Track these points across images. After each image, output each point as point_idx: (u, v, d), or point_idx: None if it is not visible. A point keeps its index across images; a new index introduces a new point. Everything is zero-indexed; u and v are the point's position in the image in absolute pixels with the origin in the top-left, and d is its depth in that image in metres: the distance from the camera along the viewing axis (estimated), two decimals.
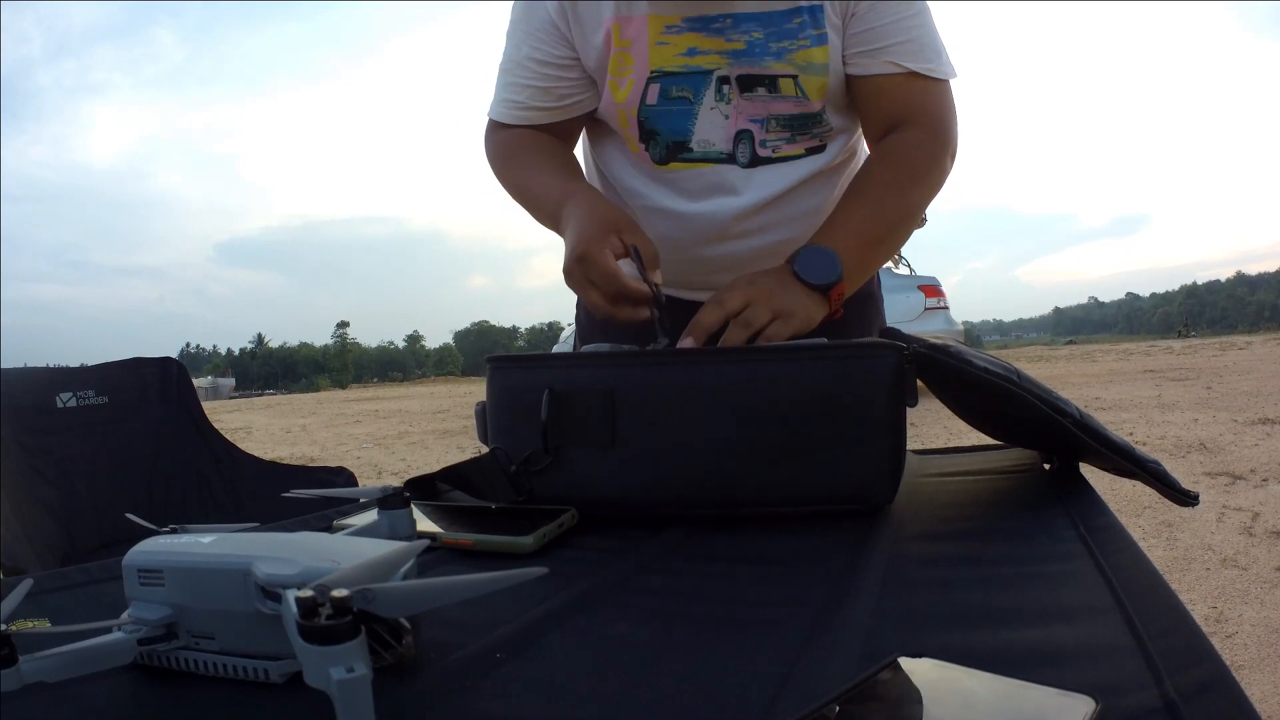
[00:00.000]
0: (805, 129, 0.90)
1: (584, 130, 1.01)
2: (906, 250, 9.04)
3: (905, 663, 0.33)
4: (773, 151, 0.90)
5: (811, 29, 0.84)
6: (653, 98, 0.89)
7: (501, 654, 0.39)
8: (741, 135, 0.89)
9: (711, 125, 0.89)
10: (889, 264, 8.40)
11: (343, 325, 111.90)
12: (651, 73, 0.87)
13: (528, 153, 0.93)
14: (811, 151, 0.91)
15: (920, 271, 8.14)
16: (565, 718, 0.33)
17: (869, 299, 1.07)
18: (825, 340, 0.66)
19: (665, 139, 0.90)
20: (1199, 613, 2.12)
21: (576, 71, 0.90)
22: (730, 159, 0.90)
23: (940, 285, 7.62)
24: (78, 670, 0.34)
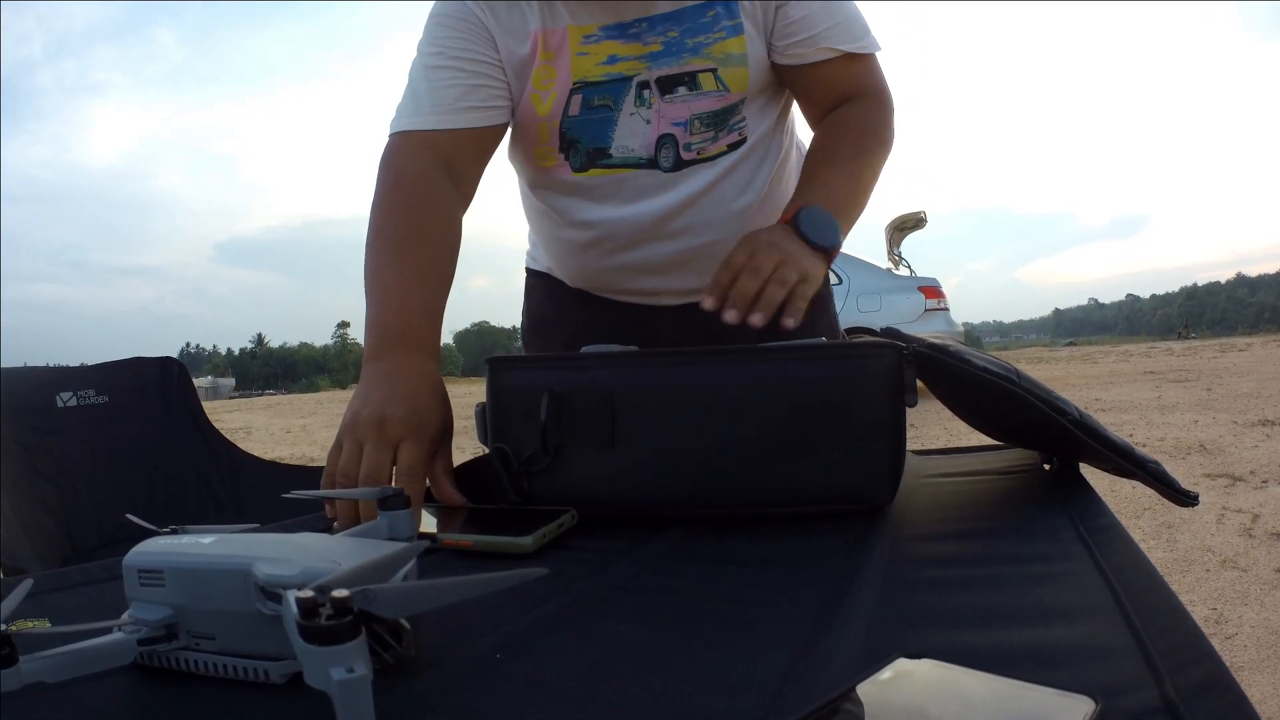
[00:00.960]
0: (725, 123, 0.90)
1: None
2: (906, 251, 9.05)
3: (905, 663, 0.33)
4: (698, 154, 0.90)
5: (726, 20, 0.85)
6: (575, 109, 0.88)
7: (501, 655, 0.39)
8: (664, 140, 0.89)
9: (632, 131, 0.88)
10: (889, 264, 8.41)
11: (343, 325, 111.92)
12: (574, 84, 0.87)
13: (418, 214, 0.81)
14: (733, 147, 0.91)
15: (920, 272, 8.14)
16: (565, 718, 0.33)
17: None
18: (824, 340, 0.66)
19: (585, 146, 0.90)
20: (1199, 614, 2.12)
21: (503, 75, 0.89)
22: (652, 164, 0.90)
23: (940, 286, 7.63)
24: (78, 670, 0.34)
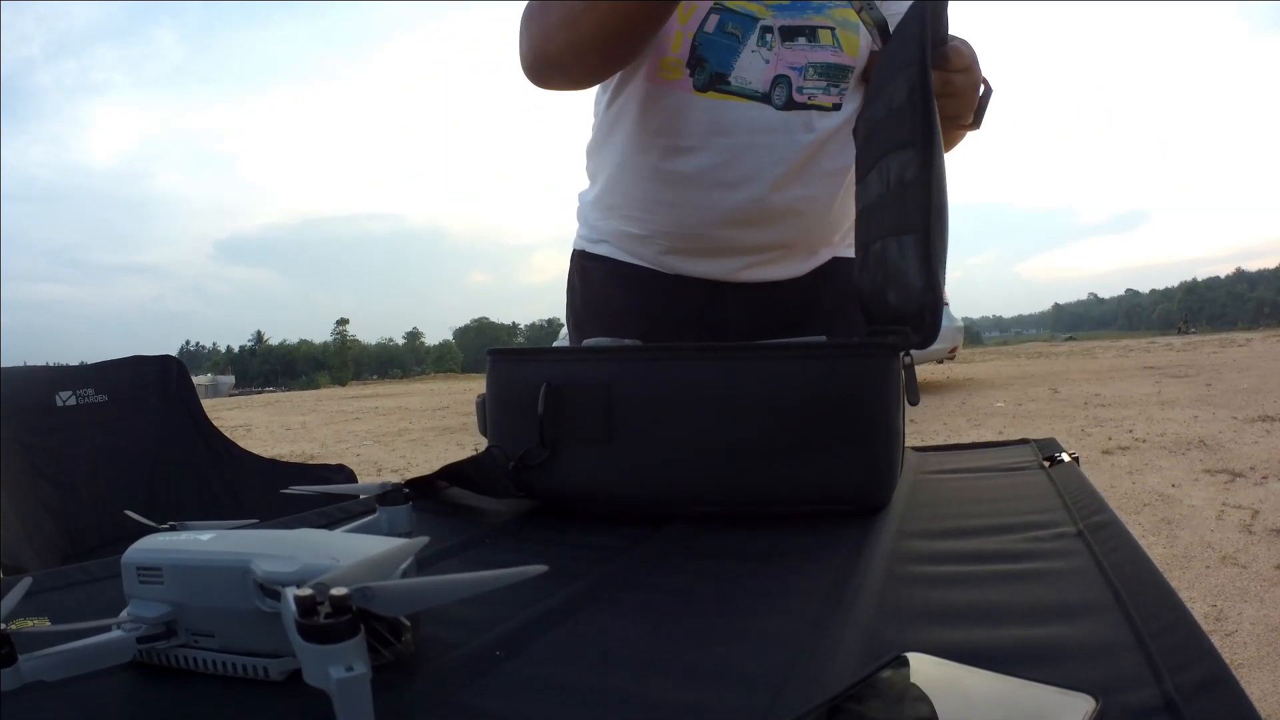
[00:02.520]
0: (838, 80, 0.96)
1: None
2: None
3: (906, 661, 0.33)
4: (808, 98, 0.95)
5: None
6: (711, 26, 0.94)
7: (501, 652, 0.39)
8: (779, 80, 0.94)
9: (752, 66, 0.94)
10: None
11: (342, 322, 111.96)
12: (715, 2, 0.93)
13: None
14: (835, 108, 0.97)
15: None
16: (565, 716, 0.33)
17: None
18: (824, 339, 0.66)
19: (710, 68, 0.95)
20: (1199, 611, 2.12)
21: None
22: (765, 99, 0.95)
23: None
24: (77, 669, 0.34)
